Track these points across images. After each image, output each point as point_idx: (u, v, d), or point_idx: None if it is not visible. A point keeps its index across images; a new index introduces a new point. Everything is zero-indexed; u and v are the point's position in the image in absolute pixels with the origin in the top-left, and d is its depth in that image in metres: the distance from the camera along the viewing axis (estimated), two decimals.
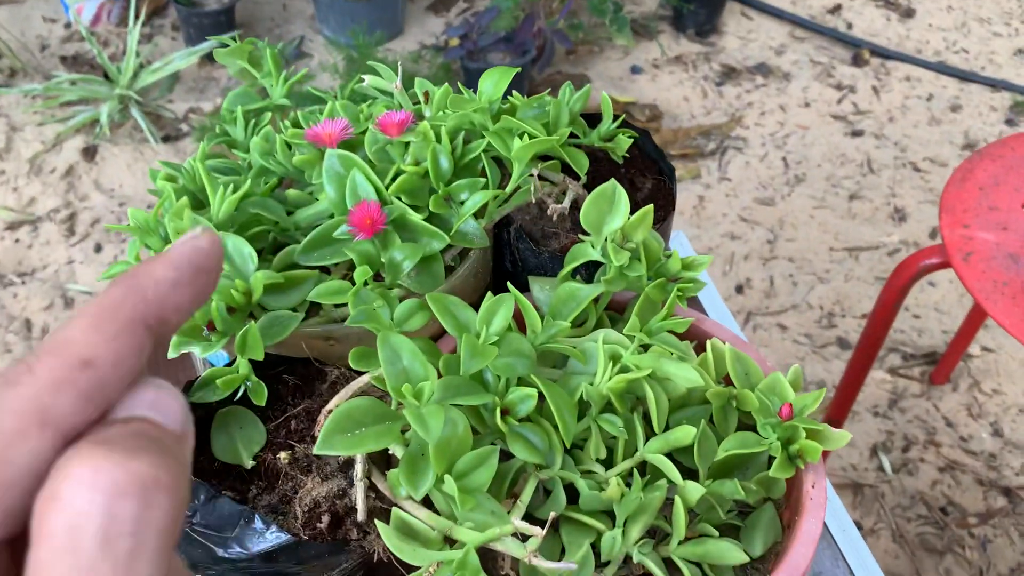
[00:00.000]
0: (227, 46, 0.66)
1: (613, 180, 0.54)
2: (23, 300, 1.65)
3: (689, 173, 1.91)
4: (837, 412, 1.24)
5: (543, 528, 0.44)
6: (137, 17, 2.07)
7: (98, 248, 1.74)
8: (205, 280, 0.23)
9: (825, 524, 0.69)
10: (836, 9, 2.39)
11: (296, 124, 0.63)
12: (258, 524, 0.45)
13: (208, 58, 2.12)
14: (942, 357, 1.52)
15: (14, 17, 2.28)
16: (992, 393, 1.52)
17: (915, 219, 1.83)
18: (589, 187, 0.65)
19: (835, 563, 0.68)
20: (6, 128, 1.97)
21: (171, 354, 0.50)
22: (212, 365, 0.60)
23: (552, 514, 0.42)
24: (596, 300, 0.57)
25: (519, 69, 0.57)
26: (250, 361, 0.50)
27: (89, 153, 1.91)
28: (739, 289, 1.68)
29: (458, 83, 0.62)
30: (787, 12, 2.34)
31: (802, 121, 2.07)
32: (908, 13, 2.39)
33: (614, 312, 0.61)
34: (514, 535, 0.43)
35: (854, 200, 1.88)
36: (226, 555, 0.44)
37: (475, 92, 0.60)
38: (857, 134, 2.04)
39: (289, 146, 0.59)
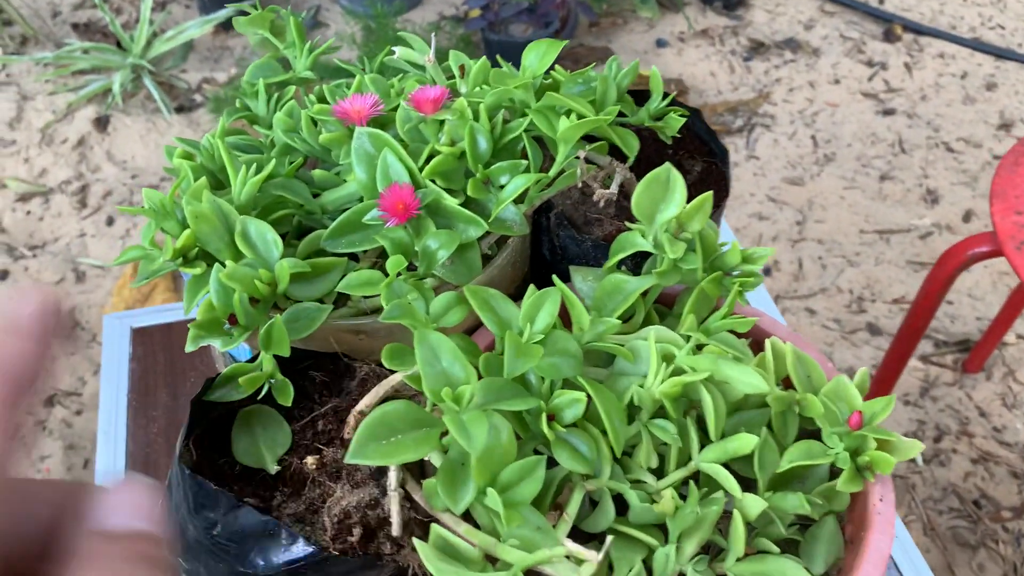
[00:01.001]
0: (246, 13, 0.62)
1: (668, 164, 0.49)
2: (34, 273, 1.62)
3: None
4: None
5: (592, 546, 0.40)
6: None
7: (110, 221, 1.70)
8: (52, 339, 0.24)
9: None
10: None
11: (322, 99, 0.58)
12: (284, 537, 0.41)
13: (223, 27, 2.08)
14: (976, 345, 1.48)
15: None
16: None
17: (948, 201, 1.78)
18: (635, 168, 0.60)
19: (887, 570, 0.64)
20: (17, 97, 1.93)
21: (188, 347, 0.46)
22: (232, 357, 0.56)
23: (609, 539, 0.38)
24: (644, 293, 0.53)
25: (566, 42, 0.53)
26: (275, 357, 0.46)
27: (101, 123, 1.87)
28: (767, 271, 1.64)
29: (497, 56, 0.58)
30: None
31: (832, 98, 2.01)
32: None
33: (662, 305, 0.57)
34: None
35: (885, 181, 1.82)
36: (248, 570, 0.41)
37: (499, 66, 0.55)
38: (888, 112, 1.98)
39: (315, 123, 0.55)
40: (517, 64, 0.54)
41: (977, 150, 1.89)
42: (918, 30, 2.18)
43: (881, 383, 1.14)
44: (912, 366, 1.49)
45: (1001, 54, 2.12)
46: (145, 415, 0.72)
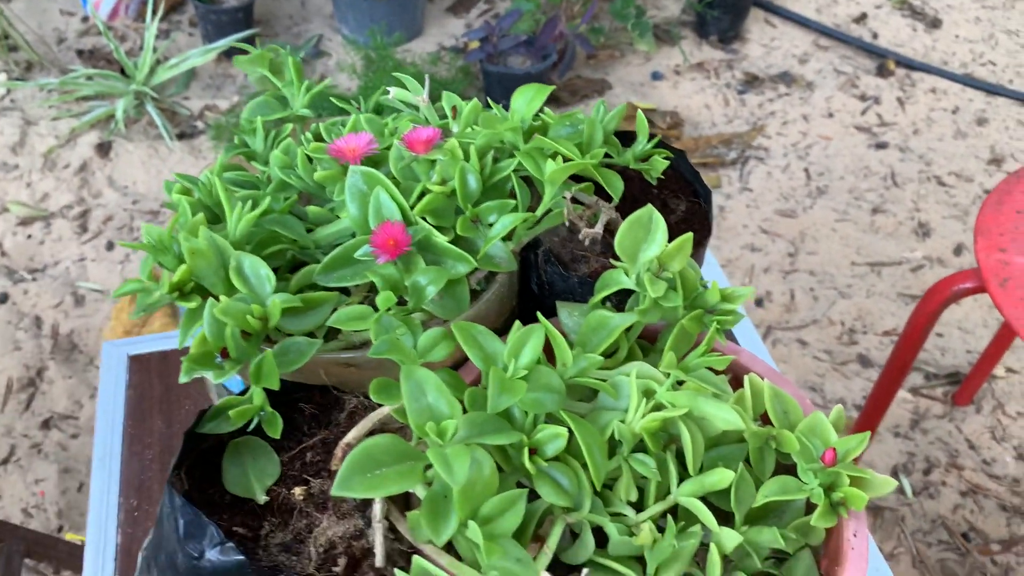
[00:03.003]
0: (245, 47, 0.64)
1: (650, 206, 0.51)
2: (33, 297, 1.63)
3: (710, 183, 1.88)
4: None
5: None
6: (155, 12, 2.05)
7: (110, 246, 1.72)
8: None
9: None
10: (861, 18, 2.35)
11: (318, 136, 0.60)
12: (266, 572, 0.42)
13: (225, 55, 2.11)
14: (966, 378, 1.49)
15: (32, 9, 2.26)
16: (1016, 416, 1.48)
17: (939, 235, 1.80)
18: (620, 207, 0.62)
19: None
20: (21, 122, 1.96)
21: (182, 379, 0.47)
22: (227, 389, 0.58)
23: (585, 572, 0.39)
24: (627, 330, 0.54)
25: (554, 87, 0.55)
26: (265, 389, 0.47)
27: (103, 149, 1.89)
28: (759, 303, 1.65)
29: (487, 99, 0.60)
30: (811, 20, 2.30)
31: (825, 132, 2.03)
32: (935, 24, 2.35)
33: (644, 340, 0.58)
34: None
35: (877, 214, 1.84)
36: None
37: (499, 102, 0.57)
38: (881, 146, 2.00)
39: (310, 160, 0.57)
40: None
41: (968, 184, 1.92)
42: (911, 65, 2.21)
43: (869, 416, 1.16)
44: (902, 398, 1.50)
45: (992, 90, 2.15)
46: (140, 442, 0.73)
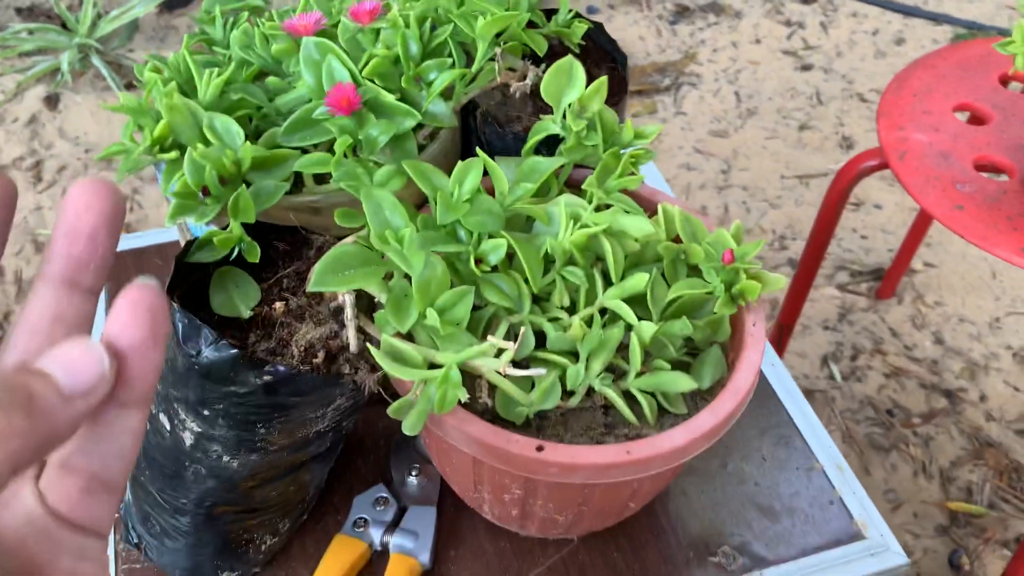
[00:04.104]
0: None
1: (570, 56, 0.59)
2: None
3: (646, 108, 1.96)
4: (787, 319, 1.31)
5: (514, 342, 0.49)
6: None
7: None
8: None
9: (766, 377, 0.76)
10: None
11: (271, 20, 0.67)
12: (257, 361, 0.50)
13: (167, 6, 2.12)
14: (887, 273, 1.60)
15: None
16: (934, 305, 1.60)
17: (862, 146, 1.91)
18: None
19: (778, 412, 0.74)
20: None
21: (168, 223, 0.54)
22: None
23: (523, 331, 0.47)
24: (557, 174, 0.62)
25: None
26: (243, 227, 0.54)
27: (51, 102, 1.91)
28: None
29: None
30: None
31: (753, 57, 2.12)
32: None
33: (575, 188, 0.66)
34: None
35: (804, 130, 1.95)
36: (231, 388, 0.49)
37: None
38: (806, 68, 2.10)
39: (267, 39, 0.63)
40: None
41: None
42: None
43: (793, 300, 1.26)
44: (830, 295, 1.62)
45: (909, 12, 2.26)
46: None
